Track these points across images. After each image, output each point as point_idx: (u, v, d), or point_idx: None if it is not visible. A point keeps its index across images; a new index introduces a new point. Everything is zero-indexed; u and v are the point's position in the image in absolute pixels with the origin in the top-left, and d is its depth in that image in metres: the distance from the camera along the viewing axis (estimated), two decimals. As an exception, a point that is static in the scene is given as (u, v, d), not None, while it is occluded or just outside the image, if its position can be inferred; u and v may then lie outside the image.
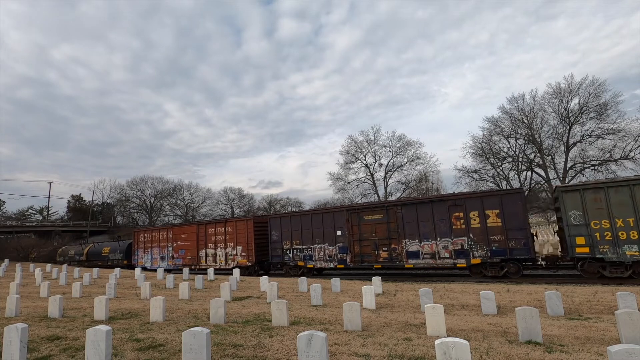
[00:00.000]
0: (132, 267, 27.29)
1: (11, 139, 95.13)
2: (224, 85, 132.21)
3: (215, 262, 22.63)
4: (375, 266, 17.13)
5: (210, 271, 18.57)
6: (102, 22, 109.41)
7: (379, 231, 17.13)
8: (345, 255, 17.89)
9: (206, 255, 23.18)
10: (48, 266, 28.12)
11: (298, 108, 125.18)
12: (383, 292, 11.81)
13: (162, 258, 25.46)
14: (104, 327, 5.05)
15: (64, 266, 26.91)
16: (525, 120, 35.72)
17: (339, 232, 18.26)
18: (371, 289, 9.40)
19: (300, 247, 19.41)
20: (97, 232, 59.55)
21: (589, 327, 6.58)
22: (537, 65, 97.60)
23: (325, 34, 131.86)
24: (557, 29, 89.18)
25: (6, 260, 31.30)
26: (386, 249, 16.85)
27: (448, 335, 6.17)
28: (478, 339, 6.00)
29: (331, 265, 18.25)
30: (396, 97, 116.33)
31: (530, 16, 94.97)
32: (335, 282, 12.57)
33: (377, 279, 12.12)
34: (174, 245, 25.01)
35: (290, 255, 19.70)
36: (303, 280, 13.27)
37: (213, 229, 23.24)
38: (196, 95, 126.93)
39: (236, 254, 21.93)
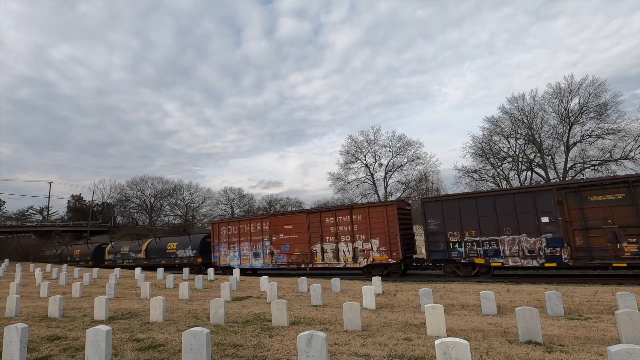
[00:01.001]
0: (209, 267, 22.48)
1: (11, 139, 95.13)
2: (223, 85, 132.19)
3: (337, 260, 18.37)
4: (614, 264, 13.16)
5: (210, 271, 18.50)
6: (101, 21, 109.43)
7: (619, 216, 12.99)
8: (557, 249, 13.89)
9: (323, 250, 18.71)
10: (48, 266, 28.07)
11: (298, 108, 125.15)
12: (383, 292, 11.81)
13: (256, 255, 21.17)
14: (104, 327, 5.05)
15: (64, 266, 26.83)
16: (525, 120, 35.74)
17: (544, 219, 14.29)
18: (371, 289, 9.40)
19: (478, 239, 15.28)
20: (97, 232, 59.57)
21: (589, 327, 6.58)
22: (537, 65, 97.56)
23: (325, 33, 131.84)
24: (558, 29, 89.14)
25: (6, 260, 31.30)
26: (635, 240, 12.73)
27: (448, 335, 6.16)
28: (478, 339, 6.00)
29: (534, 263, 14.18)
30: (396, 97, 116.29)
31: (531, 16, 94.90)
32: (335, 282, 12.57)
33: (377, 279, 12.11)
34: (273, 238, 20.51)
35: (462, 250, 15.59)
36: (303, 280, 13.26)
37: (332, 218, 18.80)
38: (196, 95, 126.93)
39: (370, 249, 17.53)
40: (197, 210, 71.41)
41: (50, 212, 65.37)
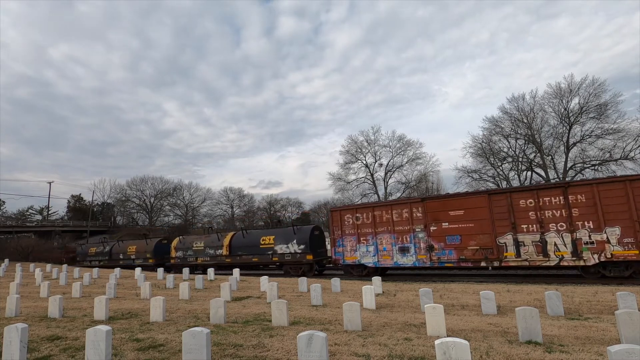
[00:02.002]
0: (320, 265, 20.14)
1: (11, 139, 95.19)
2: (223, 84, 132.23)
3: (545, 255, 13.96)
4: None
5: (210, 271, 18.48)
6: (100, 21, 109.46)
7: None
8: None
9: (517, 243, 14.33)
10: (48, 266, 28.08)
11: (298, 107, 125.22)
12: (383, 292, 11.81)
13: (403, 250, 16.69)
14: (104, 327, 5.05)
15: (64, 266, 26.84)
16: (525, 120, 35.77)
17: None
18: (371, 289, 9.40)
19: None
20: (97, 232, 59.57)
21: (589, 327, 6.58)
22: (537, 64, 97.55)
23: (325, 32, 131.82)
24: (558, 28, 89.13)
25: (6, 260, 31.30)
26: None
27: (448, 335, 6.16)
28: (478, 339, 6.00)
29: None
30: (396, 97, 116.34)
31: (532, 15, 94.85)
32: (335, 282, 12.57)
33: (377, 279, 12.12)
34: (432, 228, 16.15)
35: None
36: (303, 280, 13.27)
37: (532, 200, 14.41)
38: (195, 95, 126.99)
39: (606, 241, 13.06)
40: (197, 210, 71.51)
41: (50, 212, 65.41)
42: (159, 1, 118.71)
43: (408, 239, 16.71)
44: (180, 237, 27.76)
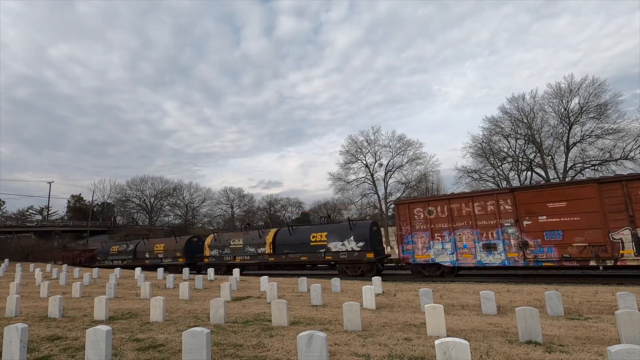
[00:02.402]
0: (381, 265, 18.66)
1: (11, 139, 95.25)
2: (223, 84, 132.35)
3: None
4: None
5: (210, 271, 18.47)
6: (99, 20, 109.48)
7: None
8: None
9: (636, 239, 12.59)
10: (48, 266, 28.09)
11: (298, 107, 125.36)
12: (383, 292, 11.81)
13: (489, 247, 14.83)
14: (104, 327, 5.05)
15: (64, 266, 26.82)
16: (525, 120, 35.76)
17: None
18: (371, 289, 9.40)
19: None
20: (97, 232, 59.62)
21: (589, 327, 6.58)
22: (538, 64, 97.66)
23: (325, 32, 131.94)
24: (559, 28, 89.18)
25: (6, 260, 31.29)
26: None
27: (448, 335, 6.16)
28: (478, 339, 6.00)
29: None
30: (396, 97, 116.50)
31: (532, 14, 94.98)
32: (335, 282, 12.57)
33: (377, 279, 12.12)
34: (525, 223, 14.38)
35: None
36: (303, 280, 13.27)
37: None
38: (195, 95, 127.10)
39: None
40: (197, 210, 71.51)
41: (50, 212, 65.42)
42: (159, 1, 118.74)
43: (494, 235, 14.79)
44: (215, 234, 25.69)
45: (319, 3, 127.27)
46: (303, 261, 20.35)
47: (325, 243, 19.84)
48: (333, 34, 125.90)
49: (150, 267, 25.71)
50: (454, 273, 15.96)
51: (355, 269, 18.72)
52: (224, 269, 23.18)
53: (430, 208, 16.41)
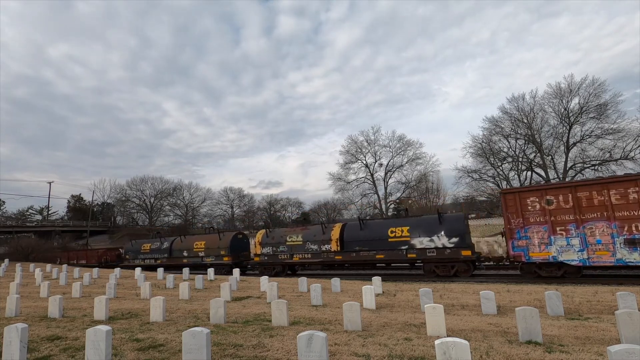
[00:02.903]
0: (476, 263, 16.60)
1: (10, 138, 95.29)
2: (222, 84, 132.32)
3: None
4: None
5: (210, 271, 18.46)
6: (99, 20, 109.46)
7: None
8: None
9: None
10: (48, 266, 28.08)
11: (298, 107, 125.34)
12: (383, 292, 11.81)
13: (634, 243, 12.57)
14: (104, 327, 5.05)
15: (64, 266, 26.82)
16: (525, 120, 35.79)
17: None
18: (371, 289, 9.40)
19: None
20: (97, 232, 59.65)
21: (589, 327, 6.58)
22: (538, 64, 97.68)
23: (324, 31, 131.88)
24: (559, 27, 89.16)
25: (6, 260, 31.30)
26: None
27: (448, 335, 6.16)
28: (478, 339, 6.00)
29: None
30: (396, 96, 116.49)
31: (532, 14, 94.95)
32: (335, 282, 12.57)
33: (377, 279, 12.12)
34: None
35: None
36: (303, 280, 13.27)
37: None
38: (195, 94, 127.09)
39: None
40: (197, 210, 71.55)
41: (50, 212, 65.44)
42: (158, 0, 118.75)
43: None
44: (267, 229, 23.33)
45: (318, 3, 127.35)
46: (379, 260, 18.06)
47: (408, 239, 17.44)
48: (333, 34, 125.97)
49: (190, 267, 22.83)
50: (580, 273, 13.89)
51: (447, 268, 16.50)
52: (279, 269, 21.01)
53: (548, 197, 14.04)
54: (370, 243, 18.37)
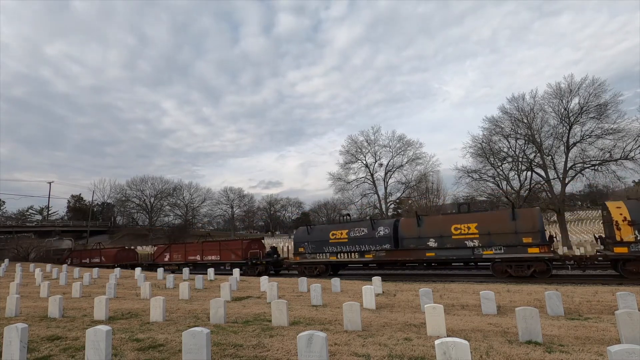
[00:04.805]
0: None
1: (8, 138, 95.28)
2: (221, 82, 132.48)
3: None
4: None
5: (210, 271, 18.45)
6: (95, 17, 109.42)
7: None
8: None
9: None
10: (48, 266, 28.07)
11: (297, 106, 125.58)
12: (383, 292, 11.81)
13: None
14: (104, 327, 5.05)
15: (64, 266, 26.81)
16: (525, 120, 35.74)
17: None
18: (371, 289, 9.40)
19: None
20: (97, 232, 59.66)
21: (589, 327, 6.58)
22: (539, 62, 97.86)
23: (324, 30, 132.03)
24: (561, 25, 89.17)
25: (6, 260, 31.30)
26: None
27: (448, 335, 6.16)
28: (478, 339, 6.00)
29: None
30: (397, 95, 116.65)
31: (534, 12, 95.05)
32: (335, 282, 12.57)
33: (377, 279, 12.12)
34: None
35: None
36: (303, 280, 13.27)
37: None
38: (193, 93, 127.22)
39: None
40: (197, 210, 71.55)
41: (50, 212, 65.46)
42: None
43: None
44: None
45: (318, 0, 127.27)
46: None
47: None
48: (333, 32, 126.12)
49: (448, 263, 17.89)
50: None
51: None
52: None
53: None
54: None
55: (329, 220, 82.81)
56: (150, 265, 28.27)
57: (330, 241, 19.43)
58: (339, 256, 19.23)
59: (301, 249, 20.34)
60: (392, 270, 20.13)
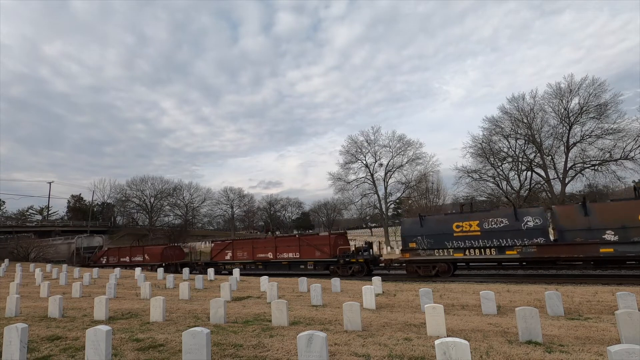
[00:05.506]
0: None
1: (7, 137, 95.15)
2: (221, 82, 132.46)
3: None
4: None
5: (211, 271, 18.47)
6: (93, 16, 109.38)
7: None
8: None
9: None
10: (48, 266, 28.05)
11: (297, 106, 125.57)
12: (383, 292, 11.81)
13: None
14: (104, 327, 5.05)
15: (64, 266, 26.80)
16: (525, 120, 35.76)
17: None
18: (371, 289, 9.40)
19: None
20: (97, 232, 59.59)
21: (589, 327, 6.58)
22: (540, 62, 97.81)
23: (324, 29, 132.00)
24: (562, 24, 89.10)
25: (6, 260, 31.28)
26: None
27: (448, 335, 6.16)
28: (478, 339, 6.00)
29: None
30: (397, 95, 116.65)
31: (535, 10, 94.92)
32: (335, 282, 12.57)
33: (377, 279, 12.12)
34: None
35: None
36: (303, 280, 13.27)
37: None
38: (193, 93, 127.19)
39: None
40: (197, 210, 71.52)
41: (50, 212, 65.46)
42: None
43: None
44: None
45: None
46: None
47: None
48: (332, 31, 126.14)
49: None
50: None
51: None
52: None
53: None
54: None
55: (329, 220, 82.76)
56: (207, 265, 24.48)
57: (455, 234, 16.41)
58: (467, 252, 15.99)
59: (412, 244, 17.21)
60: (543, 270, 16.70)
